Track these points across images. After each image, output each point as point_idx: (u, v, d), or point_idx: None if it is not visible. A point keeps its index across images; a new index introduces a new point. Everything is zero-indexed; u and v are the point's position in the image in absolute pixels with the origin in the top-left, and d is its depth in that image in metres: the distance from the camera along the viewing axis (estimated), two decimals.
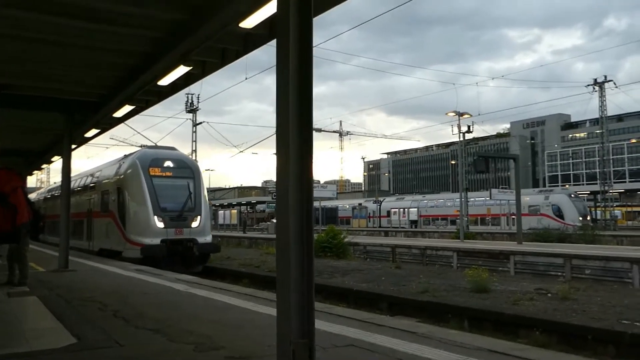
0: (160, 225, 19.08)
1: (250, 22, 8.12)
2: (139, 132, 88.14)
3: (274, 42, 5.49)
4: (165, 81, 11.40)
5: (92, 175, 25.60)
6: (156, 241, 18.77)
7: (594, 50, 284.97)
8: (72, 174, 18.07)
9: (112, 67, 11.56)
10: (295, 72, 5.02)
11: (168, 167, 20.68)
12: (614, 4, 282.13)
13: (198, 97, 52.81)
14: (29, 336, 6.63)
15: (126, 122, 17.99)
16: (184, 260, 19.18)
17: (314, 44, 5.17)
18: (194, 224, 19.81)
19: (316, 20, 5.24)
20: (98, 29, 9.11)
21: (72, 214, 23.69)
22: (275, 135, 5.25)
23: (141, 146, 33.10)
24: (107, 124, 17.30)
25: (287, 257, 4.88)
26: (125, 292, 10.67)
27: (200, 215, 20.08)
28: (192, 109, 52.48)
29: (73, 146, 18.49)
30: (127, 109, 14.36)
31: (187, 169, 21.19)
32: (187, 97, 52.50)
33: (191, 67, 10.66)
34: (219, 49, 10.34)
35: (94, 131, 18.28)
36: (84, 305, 8.90)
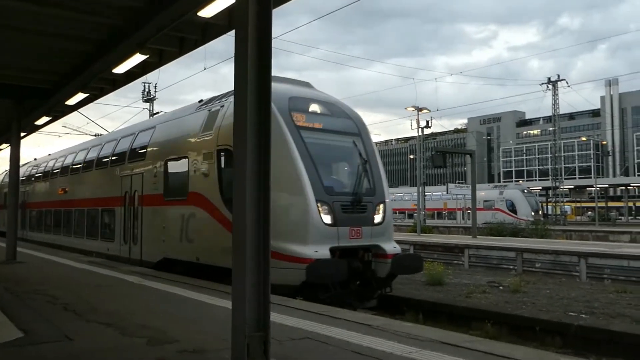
0: (327, 220, 10.27)
1: (209, 12, 8.02)
2: (92, 121, 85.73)
3: (233, 32, 5.41)
4: (120, 69, 11.12)
5: (132, 135, 16.33)
6: (324, 251, 10.00)
7: (549, 48, 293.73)
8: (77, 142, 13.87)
9: (64, 53, 11.20)
10: (254, 63, 5.00)
11: (319, 115, 11.63)
12: (568, 3, 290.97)
13: (155, 87, 51.79)
14: None
15: (79, 110, 17.50)
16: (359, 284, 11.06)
17: (273, 36, 5.14)
18: (377, 218, 11.13)
19: (274, 10, 5.20)
20: (48, 13, 8.82)
21: (86, 199, 18.28)
22: (232, 127, 5.19)
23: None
24: (60, 111, 16.76)
25: (242, 250, 4.86)
26: (77, 284, 10.40)
27: (383, 202, 11.38)
28: (149, 99, 51.42)
29: (23, 134, 17.88)
30: (80, 96, 13.95)
31: (348, 121, 12.12)
32: (144, 86, 51.42)
33: (148, 56, 10.42)
34: (177, 38, 10.17)
35: (45, 119, 17.67)
36: (33, 298, 8.62)
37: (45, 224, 23.36)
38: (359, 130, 12.02)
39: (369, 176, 11.41)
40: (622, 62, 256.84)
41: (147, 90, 51.54)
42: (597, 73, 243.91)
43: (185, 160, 12.53)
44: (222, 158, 11.32)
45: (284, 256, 9.86)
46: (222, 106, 11.80)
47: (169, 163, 13.30)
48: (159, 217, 13.39)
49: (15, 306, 7.96)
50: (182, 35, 9.99)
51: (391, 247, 11.11)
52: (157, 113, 49.96)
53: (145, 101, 51.72)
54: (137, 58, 10.41)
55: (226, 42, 8.42)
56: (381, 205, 11.26)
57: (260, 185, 4.94)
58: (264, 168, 4.97)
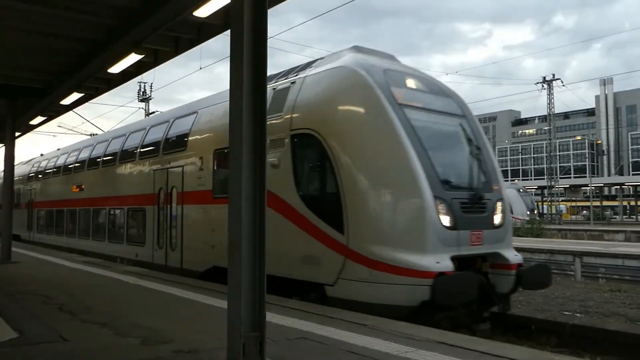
0: (447, 222, 8.27)
1: (204, 12, 8.01)
2: (88, 120, 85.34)
3: (229, 31, 5.41)
4: (115, 69, 11.09)
5: (165, 124, 14.16)
6: (446, 262, 7.99)
7: (543, 47, 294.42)
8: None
9: (58, 52, 11.15)
10: (249, 63, 4.99)
11: (418, 92, 9.62)
12: (562, 1, 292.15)
13: (151, 86, 51.70)
14: None
15: (75, 110, 17.44)
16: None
17: (268, 35, 5.13)
18: (497, 219, 9.16)
19: (269, 9, 5.20)
20: (42, 12, 8.78)
21: (108, 197, 16.46)
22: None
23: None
24: (54, 111, 16.70)
25: (239, 250, 4.85)
26: (72, 284, 10.36)
27: (501, 199, 9.38)
28: (144, 98, 51.32)
29: (17, 134, 17.81)
30: (75, 96, 13.91)
31: (449, 100, 10.10)
32: (140, 86, 51.32)
33: (143, 55, 10.40)
34: (172, 38, 10.15)
35: (40, 118, 17.62)
36: (27, 299, 8.59)
37: (57, 225, 21.34)
38: (463, 112, 10.03)
39: (484, 167, 9.47)
40: (617, 61, 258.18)
41: (142, 89, 51.47)
42: (592, 72, 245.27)
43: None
44: (299, 145, 9.29)
45: (395, 268, 7.75)
46: (292, 83, 9.80)
47: (220, 154, 11.17)
48: (206, 218, 11.47)
49: (10, 306, 7.93)
50: (177, 35, 9.96)
51: (513, 255, 9.12)
52: (153, 113, 49.93)
53: (141, 101, 51.65)
54: (133, 58, 10.38)
55: (221, 42, 8.40)
56: (499, 203, 9.20)
57: (257, 182, 4.93)
58: (260, 166, 4.96)
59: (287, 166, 9.34)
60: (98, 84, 13.48)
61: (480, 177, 9.38)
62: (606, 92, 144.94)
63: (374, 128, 8.65)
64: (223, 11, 8.06)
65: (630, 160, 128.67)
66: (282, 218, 9.21)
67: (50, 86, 13.60)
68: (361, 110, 8.90)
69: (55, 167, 22.46)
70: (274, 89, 10.30)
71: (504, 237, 9.28)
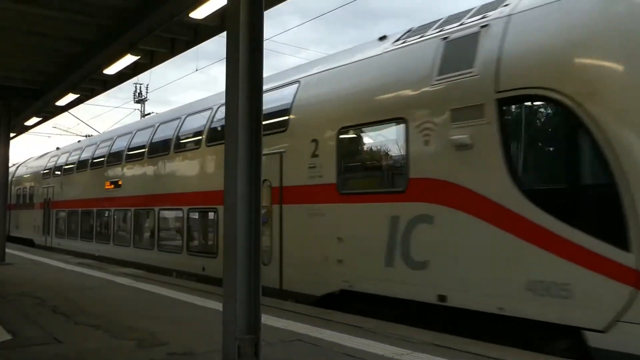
0: None
1: (200, 13, 8.01)
2: (83, 122, 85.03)
3: (225, 33, 5.41)
4: (111, 70, 11.07)
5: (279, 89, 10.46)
6: None
7: None
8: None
9: (53, 53, 11.12)
10: (246, 65, 4.99)
11: None
12: None
13: (147, 87, 51.58)
14: None
15: (70, 111, 17.40)
16: None
17: (264, 37, 5.13)
18: None
19: (265, 11, 5.20)
20: (37, 12, 8.75)
21: (157, 195, 13.56)
22: (224, 127, 5.18)
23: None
24: (50, 112, 16.67)
25: (234, 253, 4.84)
26: (67, 286, 10.31)
27: None
28: (140, 99, 51.21)
29: (12, 134, 17.77)
30: (70, 97, 13.89)
31: None
32: (135, 87, 51.20)
33: (139, 57, 10.38)
34: (168, 39, 10.14)
35: (35, 119, 17.59)
36: (21, 300, 8.54)
37: (83, 228, 18.34)
38: None
39: None
40: None
41: (138, 91, 51.36)
42: None
43: (395, 128, 7.75)
44: (516, 113, 6.54)
45: None
46: (484, 26, 6.92)
47: (350, 134, 8.57)
48: (325, 223, 8.62)
49: (3, 308, 7.88)
50: (173, 37, 9.96)
51: None
52: (149, 114, 49.87)
53: (137, 102, 51.53)
54: (128, 59, 10.37)
55: (217, 43, 8.39)
56: None
57: (252, 182, 4.92)
58: (255, 167, 4.95)
59: (491, 146, 6.45)
60: (93, 85, 13.45)
61: None
62: None
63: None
64: (219, 13, 8.05)
65: None
66: (483, 223, 6.45)
67: (46, 87, 13.56)
68: None
69: (80, 161, 19.24)
70: (445, 38, 7.39)
71: None
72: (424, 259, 7.02)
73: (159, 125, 14.57)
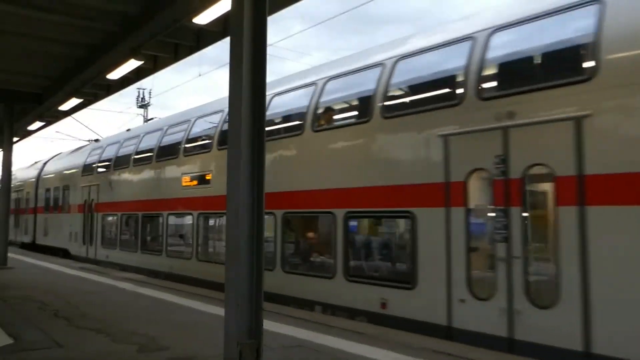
0: None
1: (203, 19, 8.03)
2: (86, 127, 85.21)
3: (228, 38, 5.42)
4: (114, 75, 11.09)
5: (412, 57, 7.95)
6: None
7: None
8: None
9: (56, 58, 11.15)
10: (249, 70, 5.00)
11: None
12: None
13: (150, 93, 51.70)
14: None
15: (73, 115, 17.41)
16: None
17: (268, 43, 5.15)
18: None
19: (268, 17, 5.21)
20: (40, 17, 8.79)
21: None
22: (227, 133, 5.19)
23: (89, 140, 22.74)
24: (53, 116, 16.70)
25: (237, 259, 4.84)
26: (68, 290, 10.30)
27: None
28: (143, 104, 51.32)
29: (15, 139, 17.82)
30: (74, 101, 13.91)
31: None
32: (139, 92, 51.31)
33: (142, 62, 10.41)
34: (171, 44, 10.17)
35: (38, 124, 17.63)
36: (22, 304, 8.53)
37: (146, 239, 14.58)
38: None
39: None
40: None
41: (142, 96, 51.45)
42: None
43: None
44: None
45: None
46: None
47: None
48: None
49: (5, 312, 7.88)
50: (176, 42, 9.99)
51: None
52: (152, 119, 49.77)
53: (140, 107, 51.59)
54: (132, 64, 10.39)
55: (220, 48, 8.42)
56: None
57: (255, 189, 4.92)
58: (258, 173, 4.96)
59: None
60: (97, 90, 13.48)
61: None
62: None
63: None
64: (223, 18, 8.08)
65: None
66: None
67: (49, 91, 13.60)
68: None
69: (139, 153, 15.22)
70: None
71: None
72: None
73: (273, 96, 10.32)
